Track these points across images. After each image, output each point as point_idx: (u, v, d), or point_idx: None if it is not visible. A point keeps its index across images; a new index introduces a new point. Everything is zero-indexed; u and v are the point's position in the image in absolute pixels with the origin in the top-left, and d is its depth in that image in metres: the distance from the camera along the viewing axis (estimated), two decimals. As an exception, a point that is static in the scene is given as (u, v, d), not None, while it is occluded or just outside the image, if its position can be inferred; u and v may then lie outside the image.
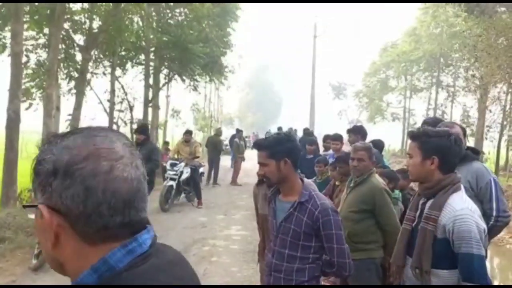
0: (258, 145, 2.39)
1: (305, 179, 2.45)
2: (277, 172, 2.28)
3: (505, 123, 14.32)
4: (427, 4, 23.66)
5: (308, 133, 14.94)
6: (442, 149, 2.07)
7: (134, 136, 14.94)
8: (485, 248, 1.98)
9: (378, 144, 6.23)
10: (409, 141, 2.27)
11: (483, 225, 1.95)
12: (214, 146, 13.66)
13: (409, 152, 2.21)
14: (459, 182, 2.08)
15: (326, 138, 7.70)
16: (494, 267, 6.97)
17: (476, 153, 3.02)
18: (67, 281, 0.75)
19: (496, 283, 6.08)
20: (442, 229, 1.97)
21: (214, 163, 13.43)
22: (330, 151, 7.19)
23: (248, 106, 57.58)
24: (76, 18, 12.12)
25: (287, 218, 2.28)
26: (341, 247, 2.16)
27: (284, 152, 2.30)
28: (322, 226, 2.16)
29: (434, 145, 2.09)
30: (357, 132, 5.55)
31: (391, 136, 42.45)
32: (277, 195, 2.43)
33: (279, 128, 17.11)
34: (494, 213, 2.73)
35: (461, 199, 2.01)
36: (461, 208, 1.95)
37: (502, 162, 17.00)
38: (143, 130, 7.01)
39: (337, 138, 6.51)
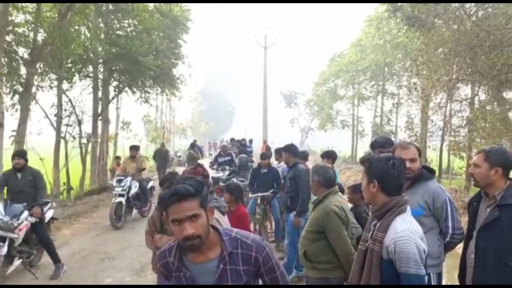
0: (184, 194, 1.68)
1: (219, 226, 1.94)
2: (208, 225, 1.77)
3: (446, 129, 15.16)
4: (371, 17, 24.69)
5: (243, 144, 15.54)
6: (381, 173, 2.19)
7: (83, 150, 14.65)
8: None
9: (331, 155, 6.50)
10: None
11: (423, 246, 2.06)
12: (162, 157, 16.75)
13: (362, 177, 2.34)
14: (404, 204, 2.19)
15: (278, 150, 7.89)
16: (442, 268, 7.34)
17: (430, 171, 3.16)
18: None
19: (444, 282, 6.41)
20: (386, 251, 2.07)
21: (162, 170, 16.33)
22: (282, 163, 7.37)
23: (200, 116, 57.27)
24: (20, 30, 11.63)
25: (220, 278, 1.79)
26: (282, 271, 1.95)
27: (207, 196, 1.83)
28: (263, 263, 1.85)
29: (374, 169, 2.22)
30: (287, 150, 6.09)
31: (342, 142, 43.73)
32: (184, 257, 1.83)
33: (232, 139, 17.17)
34: (450, 231, 2.91)
35: (404, 221, 2.11)
36: (402, 230, 2.06)
37: (444, 166, 17.99)
38: (23, 153, 6.20)
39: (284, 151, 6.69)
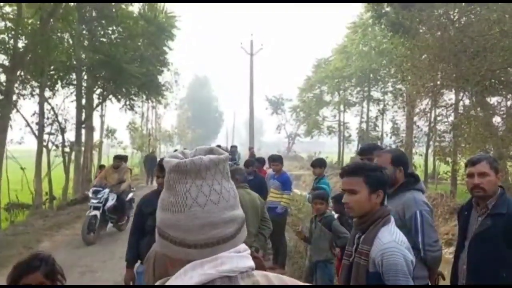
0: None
1: None
2: None
3: (431, 134, 15.27)
4: (356, 23, 24.89)
5: (233, 151, 15.48)
6: (383, 182, 2.12)
7: (66, 159, 14.35)
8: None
9: (323, 163, 6.42)
10: (346, 178, 2.19)
11: (410, 257, 1.99)
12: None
13: (353, 188, 2.13)
14: (388, 214, 2.12)
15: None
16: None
17: (416, 180, 3.02)
18: None
19: None
20: (373, 263, 2.00)
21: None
22: (271, 171, 7.29)
23: (187, 122, 56.96)
24: (-1, 37, 11.40)
25: None
26: None
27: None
28: None
29: (377, 178, 2.12)
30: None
31: (327, 147, 43.76)
32: None
33: (218, 147, 16.99)
34: (420, 246, 2.73)
35: (389, 232, 2.04)
36: (388, 241, 1.99)
37: (429, 171, 18.12)
38: None
39: (276, 159, 6.59)
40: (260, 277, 0.91)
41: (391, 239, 2.00)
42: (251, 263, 0.91)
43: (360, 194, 2.11)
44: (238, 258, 0.89)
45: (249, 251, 0.95)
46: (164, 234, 0.91)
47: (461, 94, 12.27)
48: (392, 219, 2.14)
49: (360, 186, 2.11)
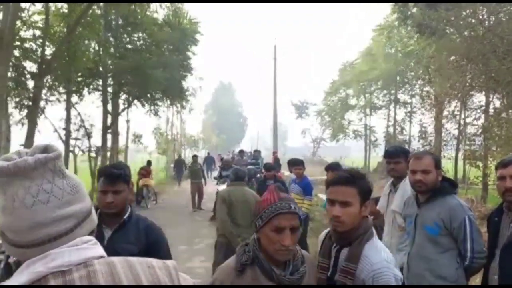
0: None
1: None
2: None
3: (460, 138, 14.82)
4: (382, 25, 24.49)
5: (256, 155, 15.47)
6: (370, 194, 1.94)
7: (93, 164, 14.58)
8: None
9: (335, 167, 6.18)
10: (340, 187, 1.92)
11: (400, 274, 1.85)
12: (180, 166, 21.88)
13: (347, 200, 1.88)
14: (370, 228, 1.94)
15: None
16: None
17: (453, 185, 2.87)
18: None
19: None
20: (362, 284, 1.83)
21: (179, 175, 21.31)
22: (292, 175, 7.19)
23: (212, 127, 57.37)
24: (27, 45, 11.68)
25: None
26: None
27: None
28: None
29: (368, 189, 1.94)
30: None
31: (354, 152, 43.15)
32: None
33: (241, 151, 16.98)
34: (469, 254, 2.60)
35: (376, 250, 1.87)
36: (377, 261, 1.82)
37: (459, 175, 17.57)
38: None
39: (298, 163, 6.47)
40: (100, 265, 0.91)
41: (380, 259, 1.83)
42: (92, 253, 0.92)
43: (354, 206, 1.88)
44: (71, 252, 0.90)
45: (93, 241, 0.96)
46: (3, 236, 0.93)
47: (491, 95, 11.84)
48: (375, 233, 1.96)
49: (354, 197, 1.88)
